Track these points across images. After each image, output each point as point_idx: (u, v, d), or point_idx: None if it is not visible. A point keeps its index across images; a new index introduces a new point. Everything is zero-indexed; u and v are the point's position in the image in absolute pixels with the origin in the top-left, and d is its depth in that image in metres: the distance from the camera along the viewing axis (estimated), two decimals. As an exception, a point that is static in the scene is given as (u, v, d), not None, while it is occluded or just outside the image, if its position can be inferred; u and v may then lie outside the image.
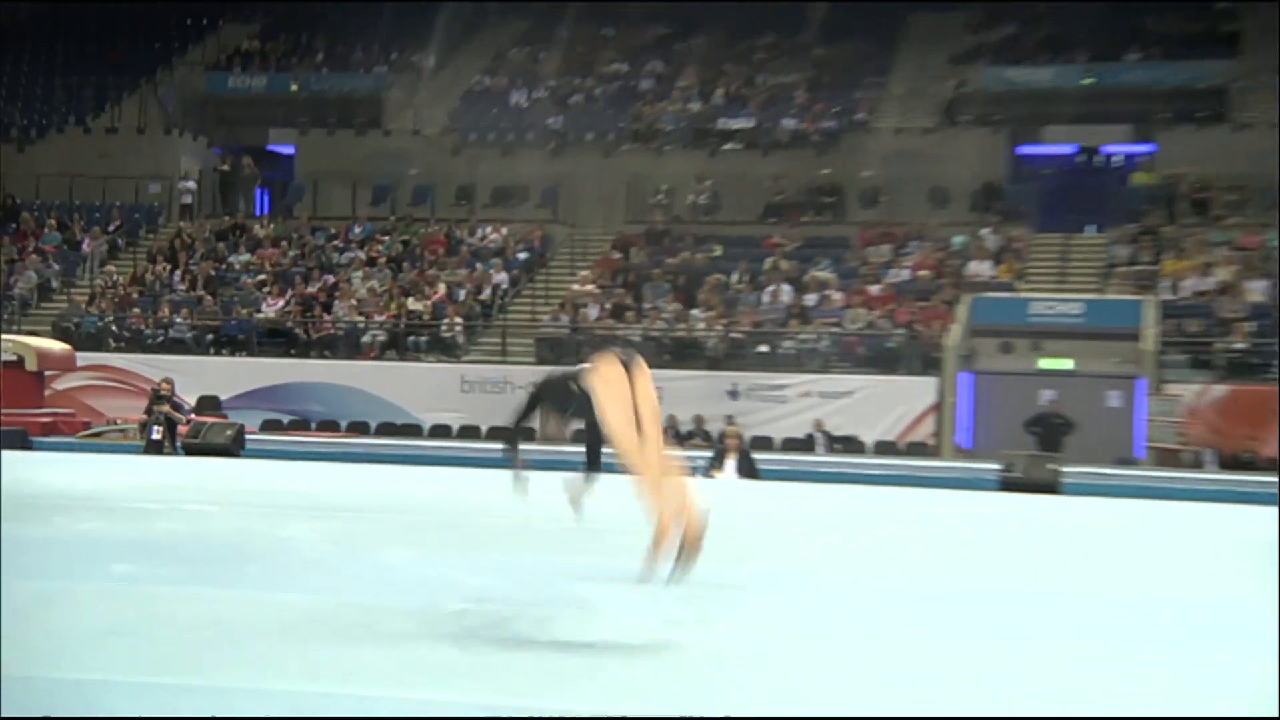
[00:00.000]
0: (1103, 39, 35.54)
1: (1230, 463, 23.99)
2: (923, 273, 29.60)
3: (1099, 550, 11.51)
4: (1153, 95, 34.30)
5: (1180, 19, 35.55)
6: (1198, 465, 24.10)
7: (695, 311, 29.03)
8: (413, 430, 27.04)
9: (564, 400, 8.24)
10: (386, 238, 33.38)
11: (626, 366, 7.96)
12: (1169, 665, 6.45)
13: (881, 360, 27.45)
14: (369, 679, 5.48)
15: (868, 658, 6.49)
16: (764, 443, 25.07)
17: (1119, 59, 35.38)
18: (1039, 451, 21.82)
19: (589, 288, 30.20)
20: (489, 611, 7.14)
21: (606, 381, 7.92)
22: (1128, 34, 35.52)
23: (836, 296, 28.95)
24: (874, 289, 29.17)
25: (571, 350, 28.39)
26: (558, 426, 8.63)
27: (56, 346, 26.79)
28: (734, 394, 26.64)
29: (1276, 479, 19.30)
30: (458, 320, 29.71)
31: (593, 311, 29.37)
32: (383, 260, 32.34)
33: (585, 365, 8.13)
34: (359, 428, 27.11)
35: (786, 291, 29.16)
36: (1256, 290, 27.85)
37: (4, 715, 4.13)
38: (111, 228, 35.25)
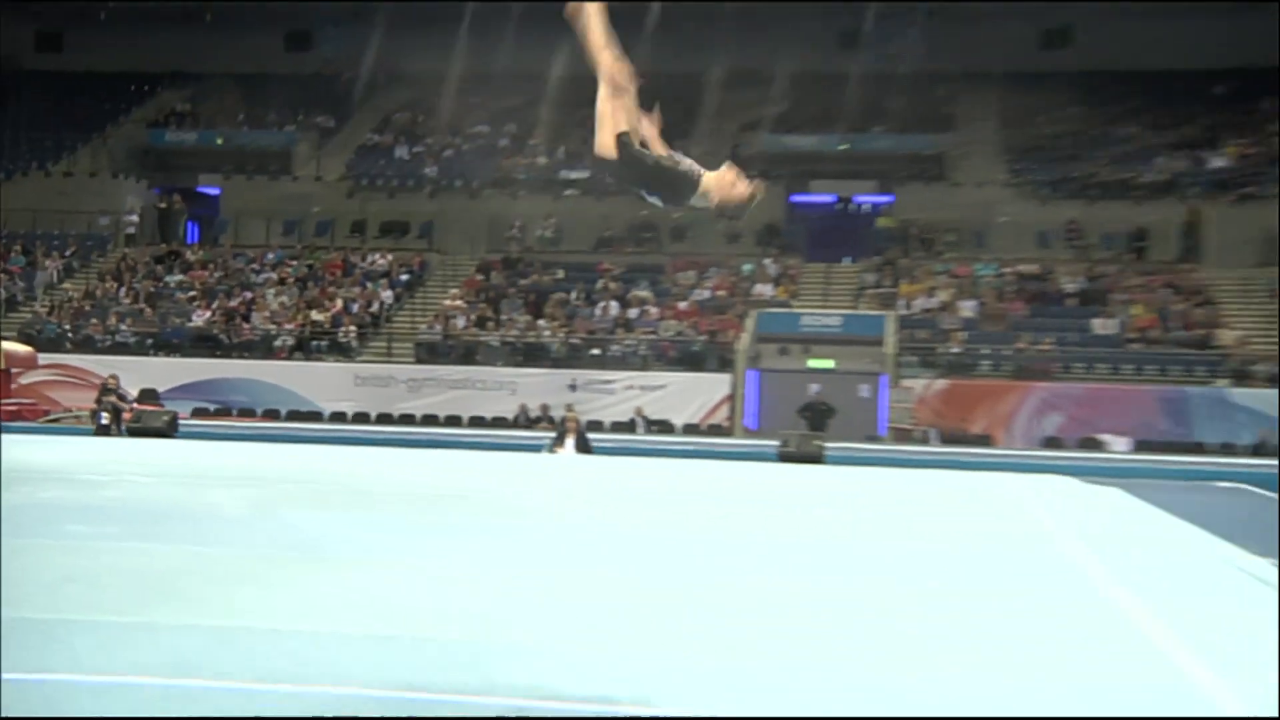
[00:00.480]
0: (854, 115, 36.28)
1: (949, 438, 24.67)
2: (720, 293, 29.95)
3: (854, 505, 11.78)
4: (891, 159, 35.15)
5: (911, 101, 36.44)
6: (925, 441, 24.74)
7: (542, 322, 29.03)
8: (315, 416, 26.62)
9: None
10: (294, 262, 32.86)
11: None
12: (909, 585, 6.64)
13: (688, 361, 27.71)
14: (278, 614, 5.41)
15: (673, 588, 6.56)
16: (596, 425, 25.09)
17: (867, 130, 36.16)
18: (808, 431, 22.21)
19: (458, 303, 30.01)
20: (375, 560, 7.10)
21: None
22: (873, 111, 36.32)
23: (653, 311, 29.16)
24: (682, 305, 29.44)
25: (444, 353, 28.26)
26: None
27: (22, 349, 26.05)
28: (573, 387, 26.68)
29: (983, 450, 19.89)
30: (352, 328, 29.33)
31: (460, 322, 29.19)
32: (291, 280, 31.80)
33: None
34: (272, 414, 26.62)
35: (614, 306, 29.30)
36: (967, 308, 28.70)
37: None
38: (68, 252, 34.27)
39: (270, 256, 33.35)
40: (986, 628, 5.93)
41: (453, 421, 26.12)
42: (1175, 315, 27.97)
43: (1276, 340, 27.76)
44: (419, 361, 28.17)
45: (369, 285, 31.46)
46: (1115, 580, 7.44)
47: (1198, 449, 24.25)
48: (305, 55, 40.32)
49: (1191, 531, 10.28)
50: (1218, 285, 29.92)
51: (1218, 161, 33.66)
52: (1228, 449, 24.18)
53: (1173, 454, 23.29)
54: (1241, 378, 26.04)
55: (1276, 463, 21.22)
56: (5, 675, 4.11)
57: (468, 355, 28.22)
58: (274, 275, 32.24)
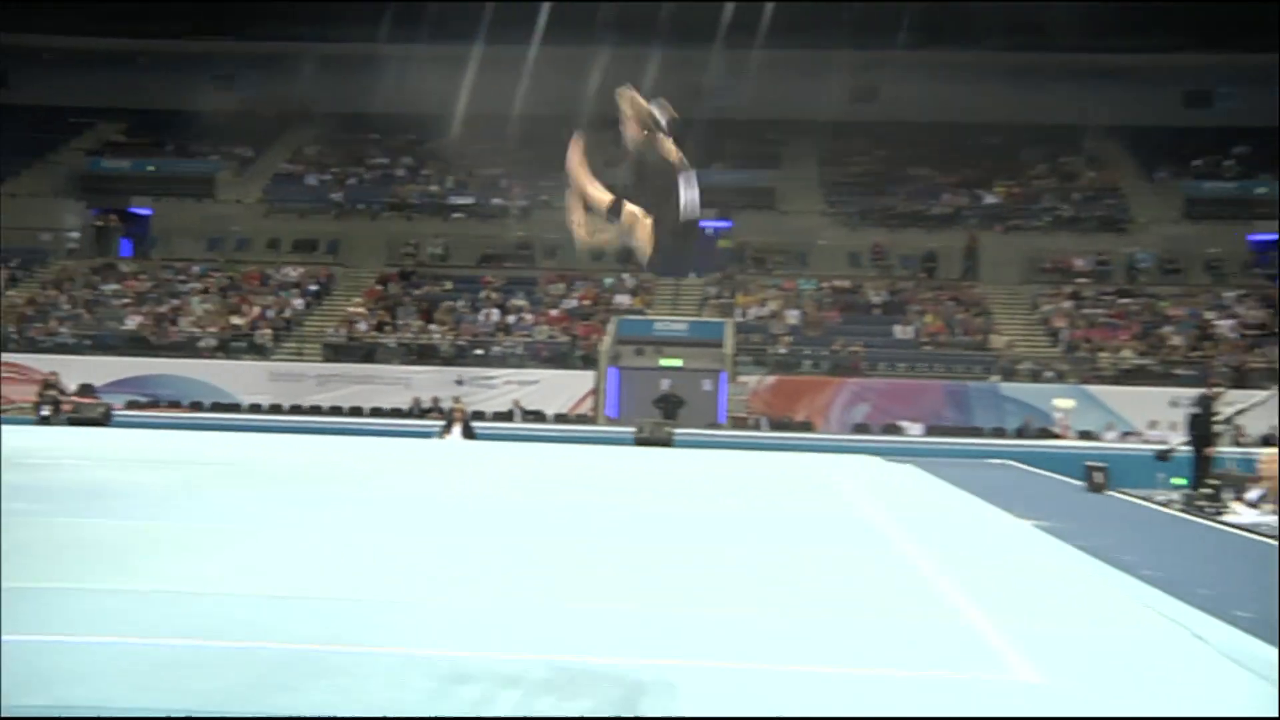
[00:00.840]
0: (699, 153, 36.51)
1: (777, 425, 25.03)
2: (585, 302, 29.89)
3: (699, 480, 11.89)
4: (730, 190, 35.46)
5: (746, 142, 36.94)
6: (757, 428, 25.06)
7: (433, 326, 28.61)
8: (234, 407, 25.78)
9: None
10: (217, 274, 31.79)
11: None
12: (739, 544, 6.72)
13: (558, 360, 27.58)
14: (198, 579, 5.25)
15: (539, 551, 6.55)
16: (479, 415, 24.79)
17: (709, 166, 36.46)
18: (660, 420, 22.30)
19: (360, 310, 29.39)
20: (285, 531, 6.94)
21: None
22: (715, 150, 36.69)
23: (529, 317, 28.97)
24: (554, 312, 29.31)
25: (348, 353, 27.69)
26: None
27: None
28: (459, 382, 26.34)
29: (804, 435, 20.24)
30: (268, 331, 28.51)
31: (362, 326, 28.62)
32: (214, 289, 30.76)
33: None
34: (196, 406, 25.70)
35: (495, 313, 29.02)
36: (792, 316, 29.16)
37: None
38: (13, 264, 32.59)
39: (196, 269, 32.21)
40: (800, 578, 6.06)
41: (355, 412, 25.60)
42: (958, 323, 28.82)
43: (1035, 344, 28.93)
44: (326, 360, 27.51)
45: (282, 294, 30.63)
46: (906, 538, 7.67)
47: (975, 433, 25.05)
48: (227, 95, 39.26)
49: (969, 499, 10.64)
50: (991, 299, 30.93)
51: (990, 198, 34.83)
52: (998, 432, 25.02)
53: (955, 437, 24.05)
54: (1009, 374, 26.98)
55: (1035, 443, 22.11)
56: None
57: (369, 355, 27.69)
58: (199, 285, 31.17)
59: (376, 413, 25.41)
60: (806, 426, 25.31)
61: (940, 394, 26.16)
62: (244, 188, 36.10)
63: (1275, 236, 34.49)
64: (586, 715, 3.47)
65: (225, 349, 28.07)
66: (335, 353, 27.74)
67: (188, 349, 27.87)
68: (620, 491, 10.45)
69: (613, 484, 11.25)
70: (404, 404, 25.80)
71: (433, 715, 3.42)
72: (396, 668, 3.92)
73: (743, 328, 28.46)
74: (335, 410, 25.66)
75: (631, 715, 3.47)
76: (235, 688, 3.62)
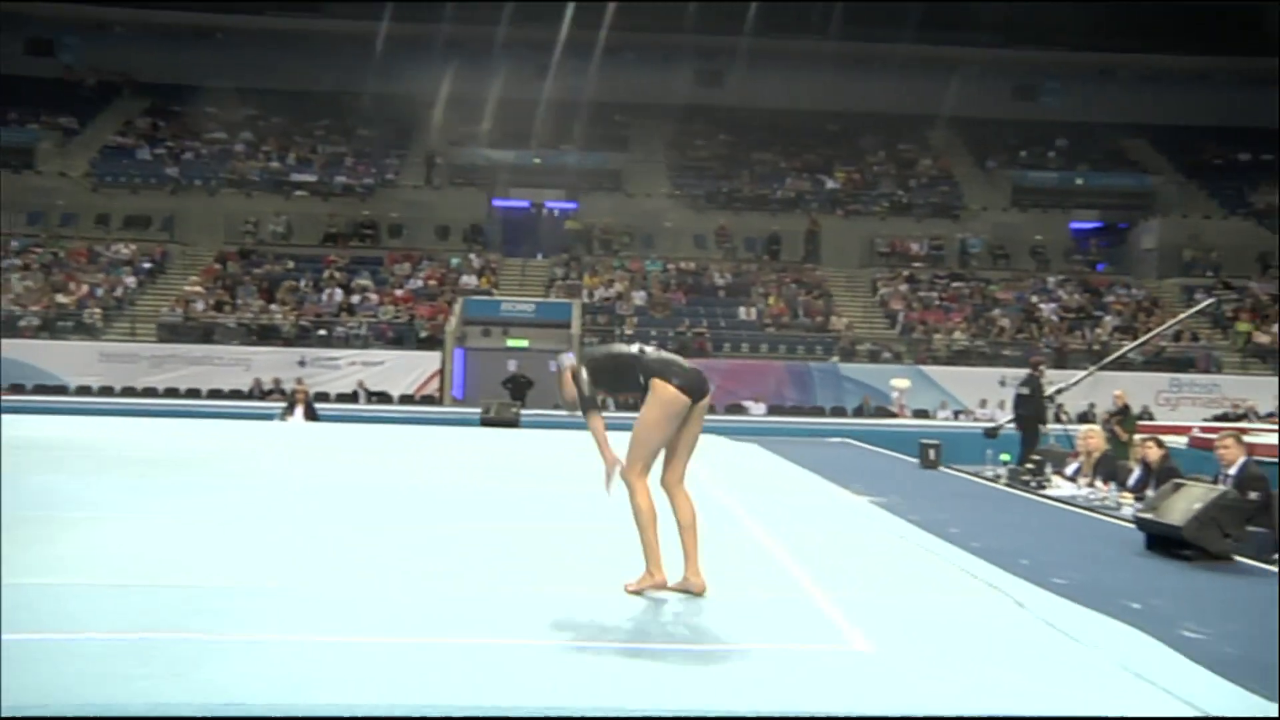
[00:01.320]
0: (547, 134, 36.45)
1: (621, 405, 25.10)
2: (431, 282, 29.45)
3: (541, 458, 11.87)
4: (577, 172, 35.50)
5: (593, 125, 36.92)
6: (605, 408, 25.07)
7: (274, 306, 27.75)
8: (61, 390, 24.48)
9: (621, 381, 5.38)
10: (39, 250, 30.02)
11: (693, 398, 5.18)
12: (585, 521, 6.74)
13: (403, 341, 27.16)
14: (21, 570, 4.99)
15: (370, 532, 6.45)
16: (323, 396, 24.24)
17: (557, 148, 36.39)
18: (508, 401, 22.15)
19: (197, 288, 28.26)
20: (115, 517, 6.65)
21: (665, 404, 5.12)
22: (563, 132, 36.58)
23: (374, 297, 28.38)
24: (399, 292, 28.79)
25: (185, 333, 26.60)
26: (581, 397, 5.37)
27: None
28: (302, 363, 25.71)
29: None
30: (97, 310, 27.14)
31: (200, 305, 27.53)
32: (36, 266, 29.07)
33: (661, 363, 5.19)
34: (18, 388, 24.27)
35: (339, 293, 28.33)
36: (638, 297, 29.37)
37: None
38: None
39: (15, 244, 30.36)
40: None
41: (193, 394, 24.67)
42: (800, 305, 29.54)
43: (874, 325, 29.88)
44: (161, 340, 26.38)
45: (113, 272, 29.18)
46: (749, 514, 7.84)
47: (816, 412, 25.71)
48: (47, 61, 37.07)
49: (809, 477, 10.92)
50: (832, 282, 31.81)
51: (831, 183, 35.76)
52: (838, 411, 25.73)
53: (797, 416, 24.65)
54: (849, 355, 27.82)
55: (873, 422, 22.85)
56: None
57: (206, 335, 26.67)
58: (18, 261, 29.40)
59: (215, 395, 24.56)
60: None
61: (783, 374, 26.76)
62: (68, 160, 34.16)
63: (1093, 225, 36.61)
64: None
65: (50, 328, 26.60)
66: (171, 333, 26.64)
67: (7, 328, 26.25)
68: (462, 470, 10.36)
69: (457, 464, 11.15)
70: (244, 385, 25.01)
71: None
72: (239, 654, 3.82)
73: (589, 309, 28.53)
74: (171, 392, 24.69)
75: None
76: (53, 682, 3.46)
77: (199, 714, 3.30)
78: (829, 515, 8.25)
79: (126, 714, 3.29)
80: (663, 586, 5.05)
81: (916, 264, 32.63)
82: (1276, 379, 24.11)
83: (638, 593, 5.06)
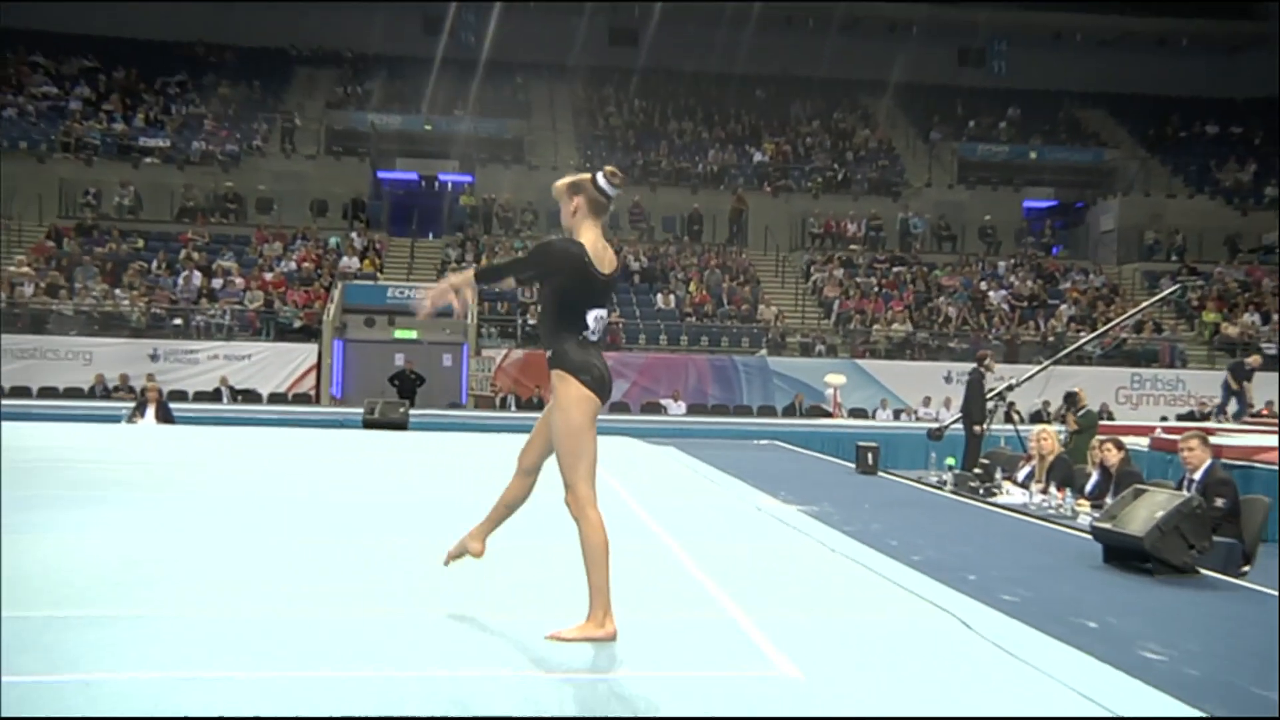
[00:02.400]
0: (438, 98, 36.12)
1: (526, 405, 25.06)
2: (306, 265, 28.96)
3: (434, 467, 11.72)
4: (473, 141, 35.27)
5: (492, 88, 36.71)
6: (504, 407, 25.02)
7: (120, 291, 27.02)
8: None
9: (566, 279, 4.73)
10: None
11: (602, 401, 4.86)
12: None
13: (274, 331, 26.68)
14: None
15: (258, 552, 6.31)
16: (180, 395, 23.75)
17: (450, 113, 36.08)
18: (395, 400, 21.88)
19: (25, 269, 27.35)
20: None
21: (581, 401, 4.76)
22: (456, 96, 36.29)
23: (238, 281, 27.81)
24: (268, 276, 28.26)
25: (10, 321, 25.76)
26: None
27: None
28: (155, 357, 25.11)
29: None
30: (-97, 295, 26.15)
31: (28, 289, 26.67)
32: None
33: (583, 352, 4.77)
34: None
35: (197, 276, 27.69)
36: (545, 282, 29.15)
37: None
38: None
39: None
40: (548, 574, 6.06)
41: (20, 393, 23.89)
42: (724, 292, 29.69)
43: (806, 315, 30.16)
44: (-20, 330, 25.54)
45: (-76, 250, 28.18)
46: (663, 526, 7.81)
47: (742, 411, 25.90)
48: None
49: (732, 483, 10.95)
50: (759, 266, 32.04)
51: (759, 156, 36.02)
52: (766, 410, 25.96)
53: (720, 416, 24.79)
54: (778, 348, 28.04)
55: (805, 422, 23.05)
56: None
57: (37, 324, 25.85)
58: None
59: (48, 393, 23.87)
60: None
61: (704, 369, 26.89)
62: None
63: (1047, 204, 37.39)
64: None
65: None
66: (-8, 321, 25.75)
67: None
68: (337, 479, 10.18)
69: (331, 472, 10.95)
70: (84, 383, 24.35)
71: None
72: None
73: (487, 295, 28.31)
74: (-7, 391, 23.86)
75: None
76: None
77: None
78: (754, 526, 8.27)
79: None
80: (611, 638, 4.60)
81: (853, 246, 33.03)
82: (1277, 374, 24.77)
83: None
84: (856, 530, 7.99)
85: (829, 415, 24.70)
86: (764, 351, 27.81)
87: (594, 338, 4.78)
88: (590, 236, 4.79)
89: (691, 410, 25.46)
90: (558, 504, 4.88)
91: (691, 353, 27.65)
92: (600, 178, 4.85)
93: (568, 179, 4.93)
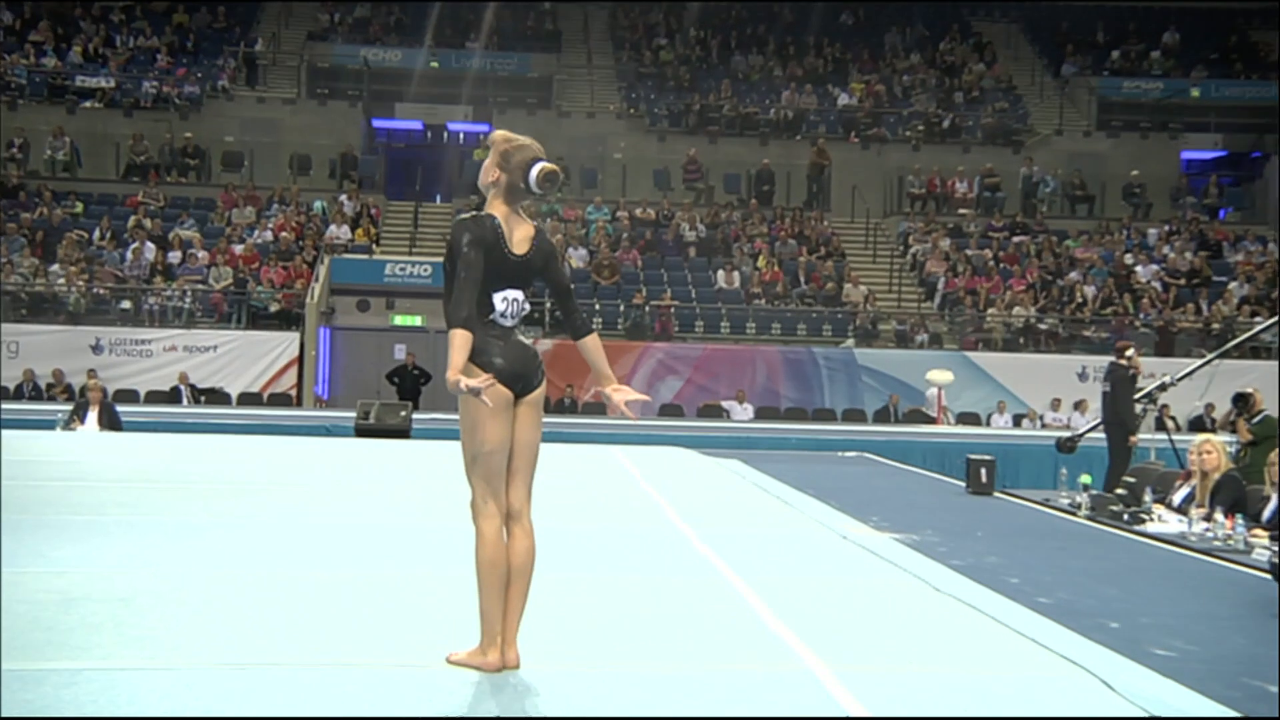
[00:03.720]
0: (446, 27, 36.25)
1: (555, 406, 25.11)
2: (285, 234, 29.15)
3: (444, 480, 11.76)
4: (489, 80, 35.34)
5: (512, 14, 36.78)
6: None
7: (55, 267, 27.35)
8: None
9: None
10: None
11: (514, 390, 5.22)
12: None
13: (245, 317, 26.90)
14: None
15: (235, 588, 6.37)
16: (130, 396, 24.06)
17: (461, 46, 36.20)
18: (396, 401, 21.97)
19: (-60, 242, 27.81)
20: None
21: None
22: (467, 24, 36.40)
23: (201, 255, 28.07)
24: (238, 249, 28.48)
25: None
26: None
27: None
28: (97, 348, 25.41)
29: (592, 420, 20.35)
30: None
31: (-55, 266, 27.10)
32: None
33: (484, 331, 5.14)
34: None
35: (150, 249, 27.97)
36: (576, 257, 29.25)
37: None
38: None
39: None
40: (599, 600, 6.16)
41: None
42: (801, 268, 29.58)
43: (903, 296, 29.99)
44: (-116, 316, 25.97)
45: None
46: (727, 557, 7.79)
47: (822, 415, 25.78)
48: None
49: (811, 505, 10.92)
50: (845, 235, 31.89)
51: (845, 98, 35.84)
52: (853, 415, 25.82)
53: (795, 421, 24.70)
54: (868, 338, 27.90)
55: (901, 429, 22.93)
56: None
57: (-47, 308, 26.30)
58: None
59: (-34, 393, 24.22)
60: (597, 408, 25.51)
61: (776, 364, 26.83)
62: None
63: (1213, 155, 36.87)
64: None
65: None
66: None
67: None
68: (319, 500, 10.26)
69: (313, 490, 11.03)
70: (10, 380, 24.69)
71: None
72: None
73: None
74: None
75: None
76: None
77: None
78: (838, 559, 8.27)
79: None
80: (494, 669, 5.00)
81: (963, 210, 32.82)
82: None
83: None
84: (967, 565, 7.96)
85: (931, 421, 24.56)
86: (850, 342, 27.69)
87: (507, 322, 5.19)
88: (500, 212, 5.23)
89: (759, 415, 25.38)
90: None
91: (760, 343, 27.56)
92: (532, 173, 5.26)
93: (507, 143, 5.35)
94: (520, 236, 5.20)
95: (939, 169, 33.68)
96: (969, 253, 30.66)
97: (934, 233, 31.45)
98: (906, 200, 33.32)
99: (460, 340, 4.99)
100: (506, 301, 5.17)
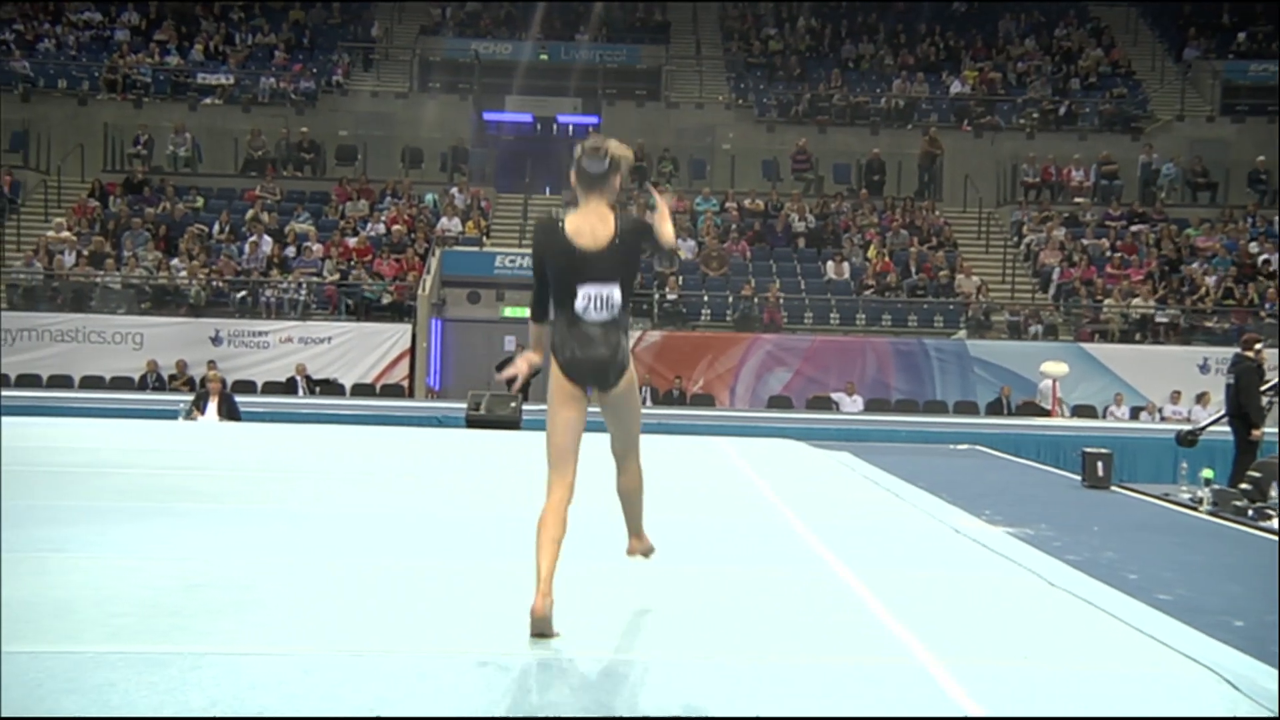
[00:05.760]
0: (554, 19, 36.43)
1: (663, 398, 25.18)
2: (397, 227, 29.52)
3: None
4: (598, 73, 35.46)
5: (622, 8, 36.89)
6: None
7: (176, 260, 27.94)
8: None
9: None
10: None
11: (578, 384, 5.64)
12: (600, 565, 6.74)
13: (359, 308, 27.27)
14: None
15: (340, 577, 6.49)
16: (247, 386, 24.52)
17: (571, 38, 36.37)
18: (504, 393, 22.12)
19: (65, 234, 28.48)
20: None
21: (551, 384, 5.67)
22: (578, 16, 36.56)
23: (316, 248, 28.51)
24: (351, 241, 28.89)
25: (46, 297, 26.83)
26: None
27: None
28: (216, 340, 25.90)
29: (701, 411, 20.34)
30: (-78, 266, 27.49)
31: (68, 258, 27.76)
32: None
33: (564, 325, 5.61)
34: None
35: (267, 242, 28.46)
36: (684, 249, 29.28)
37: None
38: None
39: None
40: (708, 591, 6.24)
41: (59, 383, 24.88)
42: (913, 258, 29.36)
43: (1017, 287, 29.66)
44: (12, 308, 26.60)
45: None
46: (837, 551, 7.77)
47: (934, 408, 25.61)
48: None
49: (922, 499, 10.85)
50: (957, 225, 31.60)
51: (957, 86, 35.49)
52: (965, 407, 25.61)
53: (906, 413, 24.55)
54: (980, 329, 27.63)
55: (1015, 421, 22.69)
56: None
57: (78, 300, 26.89)
58: None
59: (92, 383, 24.79)
60: (705, 400, 25.55)
61: (886, 355, 26.69)
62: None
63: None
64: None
65: None
66: (25, 297, 26.93)
67: None
68: (431, 490, 10.37)
69: (424, 481, 11.16)
70: (134, 371, 25.24)
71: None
72: None
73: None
74: (27, 380, 24.90)
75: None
76: None
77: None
78: (950, 552, 8.21)
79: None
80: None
81: (1079, 199, 32.39)
82: None
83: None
84: (1083, 560, 7.88)
85: (1046, 413, 24.31)
86: (963, 333, 27.47)
87: (590, 317, 5.52)
88: (578, 210, 5.70)
89: (869, 406, 25.28)
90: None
91: (870, 334, 27.43)
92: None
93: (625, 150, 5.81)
94: (589, 229, 5.56)
95: (1054, 157, 33.28)
96: (1085, 242, 30.27)
97: (1049, 222, 31.08)
98: (1020, 189, 32.95)
99: (531, 331, 5.86)
100: (588, 299, 5.48)
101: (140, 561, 6.79)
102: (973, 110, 34.66)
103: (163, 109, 33.23)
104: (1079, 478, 12.83)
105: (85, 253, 27.89)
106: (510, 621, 5.52)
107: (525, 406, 18.92)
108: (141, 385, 24.86)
